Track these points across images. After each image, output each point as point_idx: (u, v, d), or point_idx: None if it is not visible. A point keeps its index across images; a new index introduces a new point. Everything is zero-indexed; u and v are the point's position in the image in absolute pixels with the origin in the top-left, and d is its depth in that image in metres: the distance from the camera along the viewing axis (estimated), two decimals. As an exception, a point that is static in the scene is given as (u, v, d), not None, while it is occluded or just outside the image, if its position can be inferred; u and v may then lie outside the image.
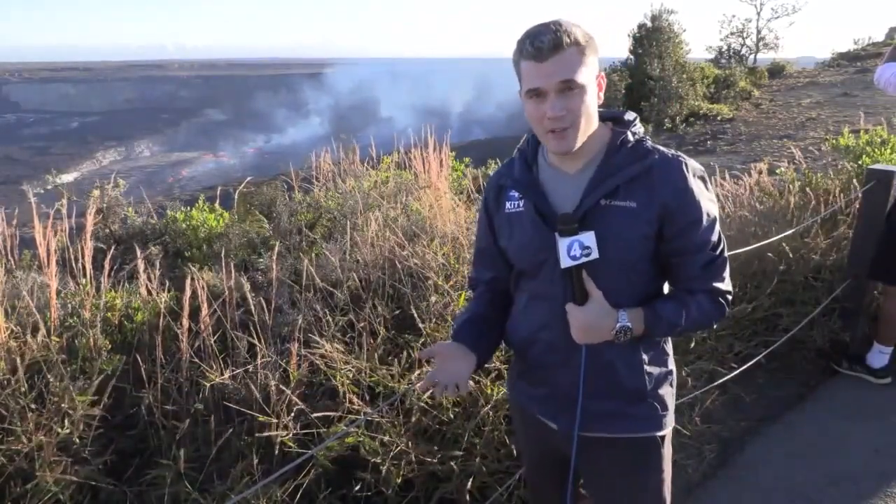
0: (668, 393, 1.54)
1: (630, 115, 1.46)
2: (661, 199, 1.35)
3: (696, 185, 1.38)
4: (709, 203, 1.40)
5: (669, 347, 1.56)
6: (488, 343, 1.59)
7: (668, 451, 1.55)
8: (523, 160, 1.51)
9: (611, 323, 1.37)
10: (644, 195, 1.36)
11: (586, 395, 1.46)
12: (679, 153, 1.41)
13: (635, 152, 1.39)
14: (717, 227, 1.42)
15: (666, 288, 1.50)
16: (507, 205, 1.51)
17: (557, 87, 1.30)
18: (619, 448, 1.51)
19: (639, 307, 1.41)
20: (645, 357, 1.48)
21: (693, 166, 1.39)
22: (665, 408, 1.52)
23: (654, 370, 1.50)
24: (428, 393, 2.34)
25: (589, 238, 1.34)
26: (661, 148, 1.41)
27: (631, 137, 1.41)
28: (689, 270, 1.41)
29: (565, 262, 1.35)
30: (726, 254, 1.44)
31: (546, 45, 1.28)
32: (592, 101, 1.35)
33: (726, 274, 1.45)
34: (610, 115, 1.46)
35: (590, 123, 1.37)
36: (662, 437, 1.53)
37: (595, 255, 1.35)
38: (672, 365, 1.56)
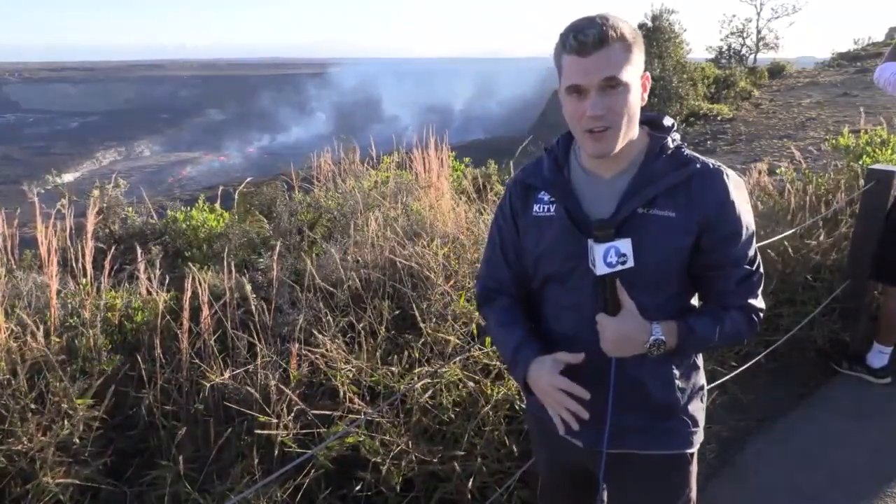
0: (699, 408, 1.49)
1: (669, 121, 1.40)
2: (701, 211, 1.31)
3: (737, 198, 1.33)
4: (748, 216, 1.35)
5: (700, 361, 1.51)
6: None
7: (695, 467, 1.52)
8: (553, 160, 1.44)
9: (644, 336, 1.31)
10: (684, 205, 1.31)
11: (615, 410, 1.41)
12: (719, 163, 1.36)
13: (675, 160, 1.34)
14: (754, 241, 1.38)
15: (694, 302, 1.46)
16: (536, 207, 1.43)
17: (599, 85, 1.23)
18: (647, 465, 1.47)
19: (672, 320, 1.35)
20: (676, 371, 1.43)
21: (734, 177, 1.35)
22: (696, 424, 1.47)
23: (686, 385, 1.45)
24: (429, 393, 2.35)
25: (626, 245, 1.28)
26: (701, 157, 1.36)
27: (670, 144, 1.36)
28: (725, 285, 1.37)
29: (601, 270, 1.29)
30: (762, 270, 1.40)
31: (590, 39, 1.21)
32: (636, 101, 1.29)
33: (760, 291, 1.40)
34: (647, 119, 1.41)
35: (631, 125, 1.31)
36: (691, 455, 1.49)
37: (631, 263, 1.29)
38: (703, 379, 1.51)
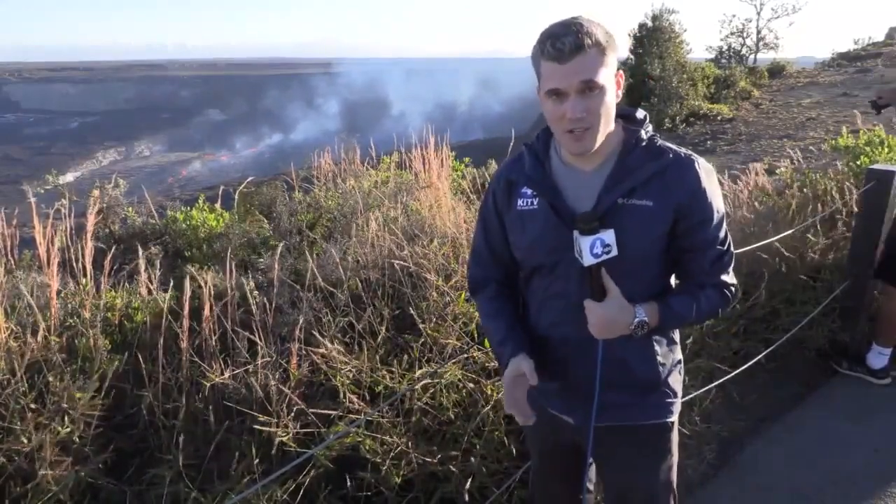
0: (677, 380, 1.60)
1: (641, 114, 1.49)
2: (676, 199, 1.39)
3: (708, 185, 1.42)
4: (718, 200, 1.45)
5: (677, 336, 1.62)
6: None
7: (675, 434, 1.63)
8: (534, 156, 1.51)
9: (629, 318, 1.40)
10: (660, 194, 1.39)
11: (602, 388, 1.49)
12: (690, 152, 1.44)
13: (649, 152, 1.42)
14: (724, 223, 1.47)
15: (672, 281, 1.55)
16: (519, 202, 1.50)
17: (578, 88, 1.31)
18: (632, 435, 1.57)
19: (652, 301, 1.44)
20: (658, 349, 1.52)
21: (704, 165, 1.44)
22: (675, 395, 1.59)
23: (666, 360, 1.55)
24: (429, 393, 2.35)
25: (610, 236, 1.37)
26: (673, 147, 1.44)
27: (644, 136, 1.44)
28: (700, 265, 1.46)
29: (588, 261, 1.37)
30: (732, 249, 1.50)
31: (568, 46, 1.29)
32: (611, 100, 1.37)
33: (732, 268, 1.50)
34: (621, 114, 1.47)
35: (608, 124, 1.39)
36: (672, 423, 1.60)
37: (615, 252, 1.37)
38: (679, 353, 1.62)
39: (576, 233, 1.38)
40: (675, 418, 1.60)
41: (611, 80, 1.35)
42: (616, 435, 1.56)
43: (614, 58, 1.36)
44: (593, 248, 1.36)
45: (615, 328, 1.41)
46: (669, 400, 1.57)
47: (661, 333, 1.52)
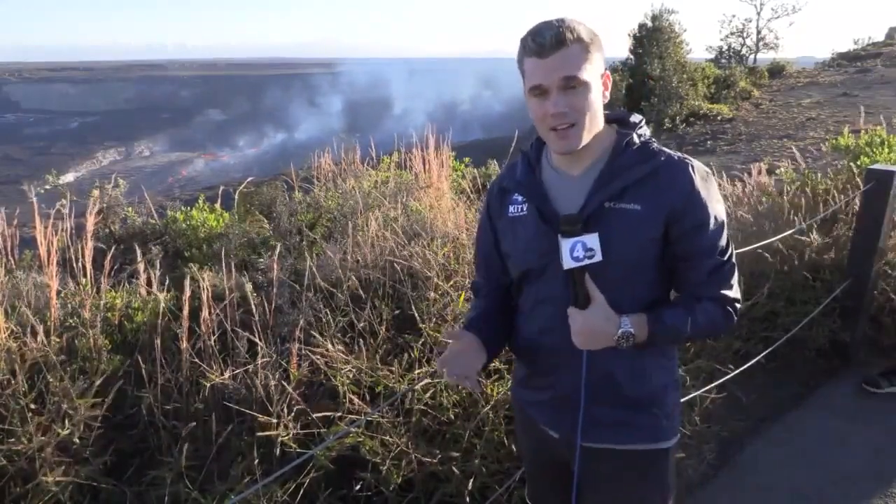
0: (673, 402, 1.49)
1: (636, 118, 1.43)
2: (668, 202, 1.32)
3: (703, 188, 1.35)
4: (717, 206, 1.37)
5: (675, 354, 1.53)
6: (500, 340, 1.57)
7: (672, 462, 1.51)
8: (526, 163, 1.49)
9: (613, 329, 1.33)
10: (650, 198, 1.33)
11: (588, 402, 1.43)
12: (685, 155, 1.39)
13: (641, 154, 1.36)
14: (725, 232, 1.38)
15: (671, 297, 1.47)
16: (511, 208, 1.48)
17: (559, 84, 1.28)
18: (622, 460, 1.46)
19: (642, 313, 1.36)
20: (648, 364, 1.44)
21: (700, 168, 1.37)
22: (669, 418, 1.47)
23: (658, 378, 1.45)
24: (429, 393, 2.35)
25: (593, 240, 1.31)
26: (667, 150, 1.38)
27: (637, 139, 1.38)
28: (696, 275, 1.38)
29: (568, 264, 1.32)
30: (734, 260, 1.40)
31: (548, 41, 1.27)
32: (597, 99, 1.33)
33: (734, 281, 1.40)
34: (615, 118, 1.44)
35: (594, 122, 1.34)
36: (667, 450, 1.47)
37: (598, 257, 1.31)
38: (676, 373, 1.52)
39: (559, 235, 1.33)
40: (669, 445, 1.46)
41: (595, 79, 1.32)
42: (602, 458, 1.45)
43: (599, 57, 1.32)
44: (573, 250, 1.31)
45: (598, 338, 1.34)
46: (663, 424, 1.45)
47: (653, 348, 1.40)
